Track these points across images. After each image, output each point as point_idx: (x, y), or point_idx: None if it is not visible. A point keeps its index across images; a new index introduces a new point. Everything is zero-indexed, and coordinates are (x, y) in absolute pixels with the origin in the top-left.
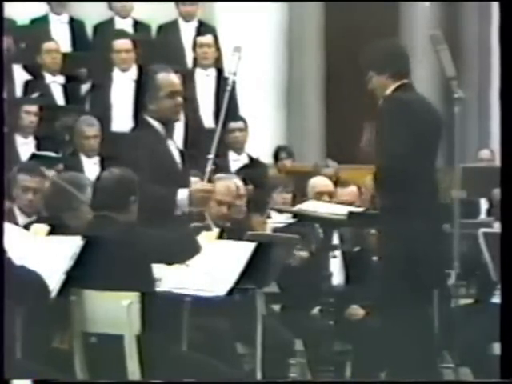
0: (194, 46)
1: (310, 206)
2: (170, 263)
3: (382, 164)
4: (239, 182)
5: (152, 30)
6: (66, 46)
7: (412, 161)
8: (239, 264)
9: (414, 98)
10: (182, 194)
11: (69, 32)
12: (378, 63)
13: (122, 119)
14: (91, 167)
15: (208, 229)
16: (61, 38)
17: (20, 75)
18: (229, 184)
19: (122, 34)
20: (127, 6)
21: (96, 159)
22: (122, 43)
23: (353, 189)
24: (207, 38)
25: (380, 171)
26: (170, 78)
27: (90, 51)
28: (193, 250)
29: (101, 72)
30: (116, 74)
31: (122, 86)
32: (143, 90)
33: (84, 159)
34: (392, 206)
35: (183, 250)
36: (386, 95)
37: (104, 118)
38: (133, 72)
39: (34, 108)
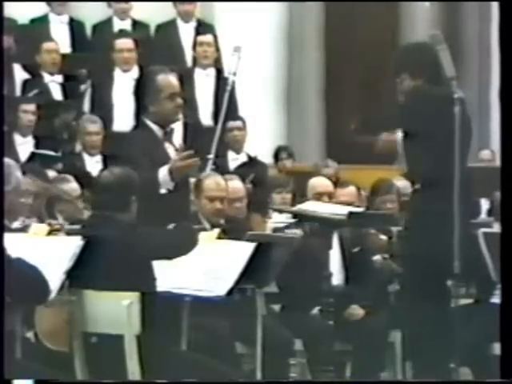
0: (194, 45)
1: (310, 206)
2: (168, 258)
3: (419, 167)
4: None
5: (151, 30)
6: (65, 46)
7: (447, 163)
8: (239, 264)
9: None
10: (163, 171)
11: (68, 32)
12: (415, 67)
13: (123, 119)
14: (94, 165)
15: (206, 229)
16: (60, 38)
17: (19, 74)
18: (217, 179)
19: (123, 33)
20: (126, 6)
21: (98, 157)
22: (124, 43)
23: (352, 189)
24: (207, 37)
25: (418, 174)
26: (169, 80)
27: (90, 51)
28: (190, 242)
29: (100, 72)
30: (117, 73)
31: (124, 86)
32: (142, 91)
33: (86, 157)
34: (428, 208)
35: (180, 243)
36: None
37: (105, 117)
38: (134, 71)
39: (32, 107)
